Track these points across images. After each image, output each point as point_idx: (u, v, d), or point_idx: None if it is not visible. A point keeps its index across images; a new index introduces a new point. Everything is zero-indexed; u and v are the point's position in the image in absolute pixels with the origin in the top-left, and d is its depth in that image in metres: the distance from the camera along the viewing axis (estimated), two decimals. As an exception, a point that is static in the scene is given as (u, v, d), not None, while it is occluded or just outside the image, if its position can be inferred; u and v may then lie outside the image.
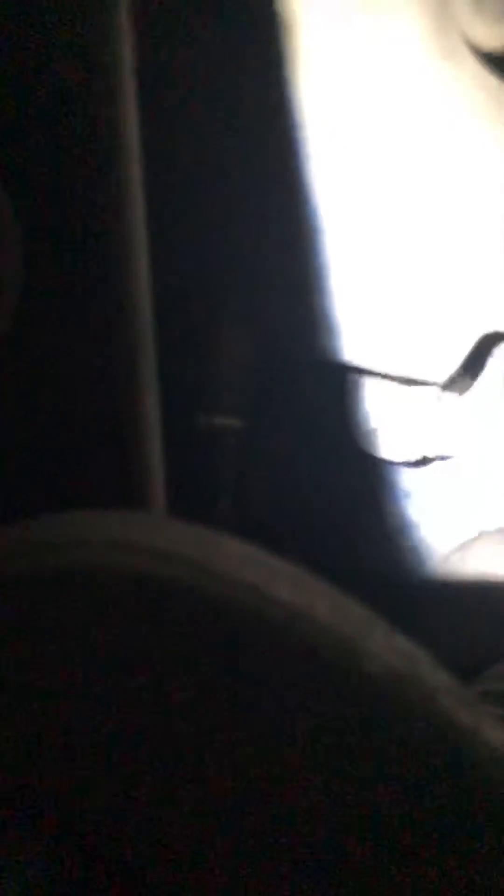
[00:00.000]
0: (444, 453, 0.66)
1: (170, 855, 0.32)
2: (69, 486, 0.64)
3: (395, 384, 0.65)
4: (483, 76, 0.54)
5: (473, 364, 0.62)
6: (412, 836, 0.29)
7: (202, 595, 0.32)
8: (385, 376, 0.64)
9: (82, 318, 0.64)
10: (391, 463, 0.67)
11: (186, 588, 0.32)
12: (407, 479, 0.68)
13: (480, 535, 0.68)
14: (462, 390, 0.64)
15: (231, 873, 0.31)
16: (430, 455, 0.66)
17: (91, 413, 0.63)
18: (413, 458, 0.66)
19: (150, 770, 0.32)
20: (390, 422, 0.66)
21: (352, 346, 0.64)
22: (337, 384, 0.67)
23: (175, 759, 0.32)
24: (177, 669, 0.32)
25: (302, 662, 0.31)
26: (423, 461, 0.67)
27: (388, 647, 0.31)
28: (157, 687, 0.32)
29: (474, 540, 0.68)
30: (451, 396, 0.64)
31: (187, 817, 0.32)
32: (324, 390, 0.68)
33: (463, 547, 0.68)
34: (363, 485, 0.69)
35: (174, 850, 0.32)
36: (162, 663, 0.32)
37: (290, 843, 0.29)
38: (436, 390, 0.64)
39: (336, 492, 0.69)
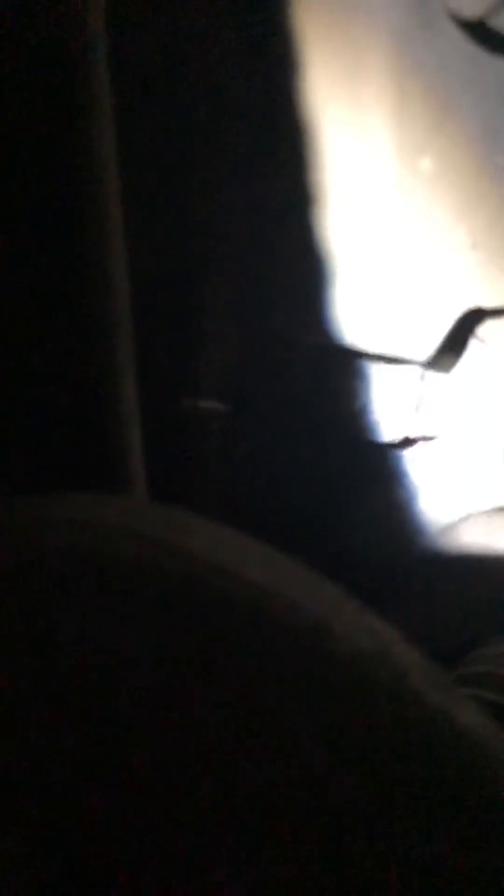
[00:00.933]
0: (431, 434, 0.65)
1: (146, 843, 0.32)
2: (48, 469, 0.63)
3: (379, 364, 0.64)
4: (462, 43, 0.53)
5: (455, 342, 0.61)
6: (381, 815, 0.28)
7: (168, 575, 0.31)
8: (370, 357, 0.63)
9: (60, 302, 0.63)
10: (378, 444, 0.66)
11: (153, 568, 0.32)
12: (395, 461, 0.67)
13: (469, 515, 0.67)
14: (446, 369, 0.63)
15: (201, 855, 0.30)
16: (416, 436, 0.65)
17: (69, 397, 0.63)
18: (400, 439, 0.65)
19: (123, 754, 0.32)
20: (376, 403, 0.65)
21: (336, 328, 0.63)
22: (322, 366, 0.66)
23: (147, 739, 0.31)
24: (144, 650, 0.31)
25: (270, 643, 0.30)
26: (410, 442, 0.66)
27: (357, 627, 0.31)
28: (124, 668, 0.31)
29: (463, 520, 0.67)
30: (435, 376, 0.63)
31: (161, 795, 0.31)
32: (309, 372, 0.67)
33: (452, 527, 0.67)
34: (350, 467, 0.68)
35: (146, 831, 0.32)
36: (129, 644, 0.31)
37: (255, 824, 0.29)
38: (419, 370, 0.63)
39: (322, 474, 0.69)
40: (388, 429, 0.65)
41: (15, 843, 0.32)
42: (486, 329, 0.62)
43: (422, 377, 0.63)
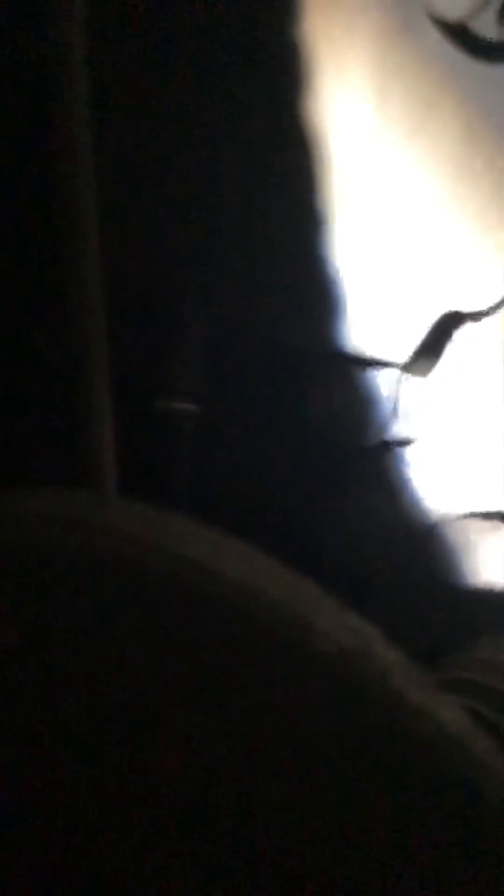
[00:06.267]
0: (406, 437, 0.65)
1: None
2: (18, 469, 0.62)
3: (357, 367, 0.64)
4: (445, 48, 0.53)
5: (434, 345, 0.61)
6: (361, 815, 0.27)
7: (144, 571, 0.31)
8: (345, 359, 0.63)
9: (33, 301, 0.62)
10: (352, 447, 0.66)
11: (128, 564, 0.31)
12: (371, 464, 0.67)
13: (446, 519, 0.67)
14: (423, 373, 0.63)
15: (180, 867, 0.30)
16: (391, 439, 0.65)
17: (41, 395, 0.62)
18: (374, 443, 0.65)
19: (98, 752, 0.31)
20: (351, 405, 0.65)
21: (311, 330, 0.63)
22: (297, 368, 0.66)
23: (118, 738, 0.30)
24: (118, 646, 0.30)
25: (251, 640, 0.29)
26: (385, 445, 0.66)
27: (339, 625, 0.30)
28: (98, 665, 0.30)
29: (440, 524, 0.67)
30: (412, 379, 0.63)
31: (134, 802, 0.30)
32: (284, 374, 0.67)
33: (428, 531, 0.67)
34: (326, 469, 0.68)
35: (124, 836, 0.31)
36: (103, 641, 0.30)
37: (234, 828, 0.28)
38: (397, 373, 0.63)
39: (296, 477, 0.68)
40: (365, 432, 0.65)
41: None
42: (464, 333, 0.62)
43: (399, 380, 0.63)
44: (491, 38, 0.52)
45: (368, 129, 0.57)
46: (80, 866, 0.30)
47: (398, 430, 0.65)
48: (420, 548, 0.66)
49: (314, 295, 0.62)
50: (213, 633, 0.29)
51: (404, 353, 0.61)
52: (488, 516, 0.68)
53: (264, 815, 0.28)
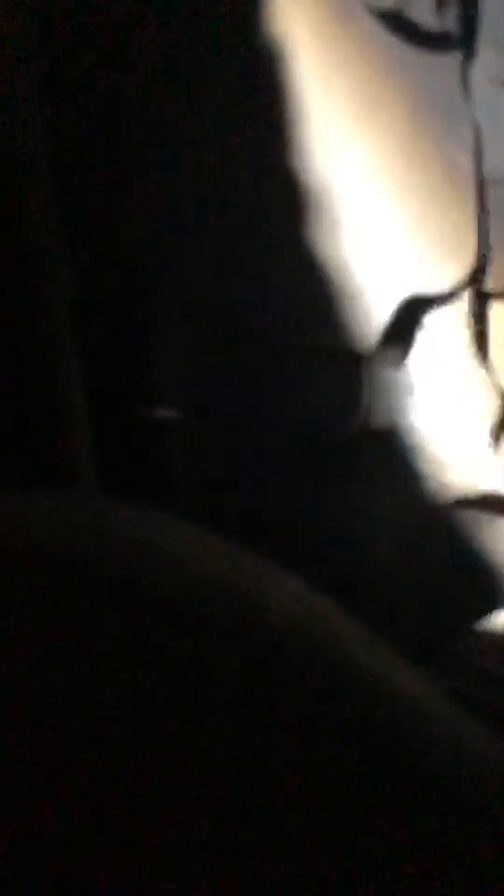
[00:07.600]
0: (385, 426, 0.65)
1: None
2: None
3: (328, 359, 0.64)
4: (378, 34, 0.54)
5: (402, 332, 0.61)
6: (317, 784, 0.28)
7: (97, 560, 0.31)
8: (319, 352, 0.64)
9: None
10: (331, 440, 0.66)
11: (82, 554, 0.31)
12: (349, 456, 0.67)
13: (429, 510, 0.67)
14: (396, 360, 0.63)
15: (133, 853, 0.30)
16: (370, 429, 0.65)
17: (13, 399, 0.62)
18: (353, 434, 0.65)
19: (63, 746, 0.31)
20: (327, 397, 0.65)
21: (285, 325, 0.63)
22: (275, 365, 0.66)
23: (86, 727, 0.31)
24: (78, 635, 0.31)
25: (206, 618, 0.30)
26: (364, 436, 0.66)
27: (294, 599, 0.31)
28: (63, 654, 0.31)
29: (425, 515, 0.67)
30: (383, 368, 0.63)
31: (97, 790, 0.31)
32: (263, 372, 0.67)
33: (415, 522, 0.67)
34: (306, 464, 0.68)
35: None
36: (49, 634, 0.31)
37: (192, 805, 0.28)
38: (368, 361, 0.63)
39: (278, 475, 0.68)
40: (344, 423, 0.65)
41: None
42: (432, 318, 0.62)
43: (370, 369, 0.63)
44: (430, 27, 0.53)
45: (316, 121, 0.57)
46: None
47: (376, 419, 0.65)
48: (405, 538, 0.66)
49: (285, 288, 0.62)
50: (169, 610, 0.30)
51: (374, 342, 0.61)
52: (478, 503, 0.68)
53: (223, 791, 0.28)
